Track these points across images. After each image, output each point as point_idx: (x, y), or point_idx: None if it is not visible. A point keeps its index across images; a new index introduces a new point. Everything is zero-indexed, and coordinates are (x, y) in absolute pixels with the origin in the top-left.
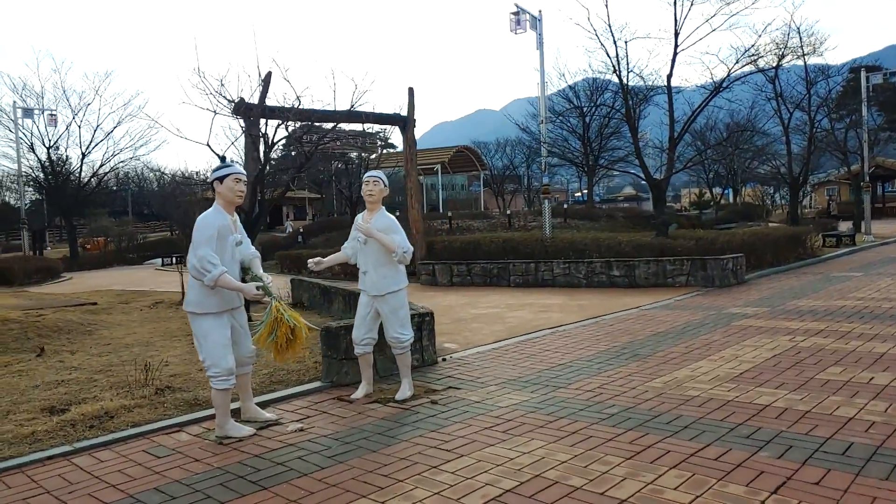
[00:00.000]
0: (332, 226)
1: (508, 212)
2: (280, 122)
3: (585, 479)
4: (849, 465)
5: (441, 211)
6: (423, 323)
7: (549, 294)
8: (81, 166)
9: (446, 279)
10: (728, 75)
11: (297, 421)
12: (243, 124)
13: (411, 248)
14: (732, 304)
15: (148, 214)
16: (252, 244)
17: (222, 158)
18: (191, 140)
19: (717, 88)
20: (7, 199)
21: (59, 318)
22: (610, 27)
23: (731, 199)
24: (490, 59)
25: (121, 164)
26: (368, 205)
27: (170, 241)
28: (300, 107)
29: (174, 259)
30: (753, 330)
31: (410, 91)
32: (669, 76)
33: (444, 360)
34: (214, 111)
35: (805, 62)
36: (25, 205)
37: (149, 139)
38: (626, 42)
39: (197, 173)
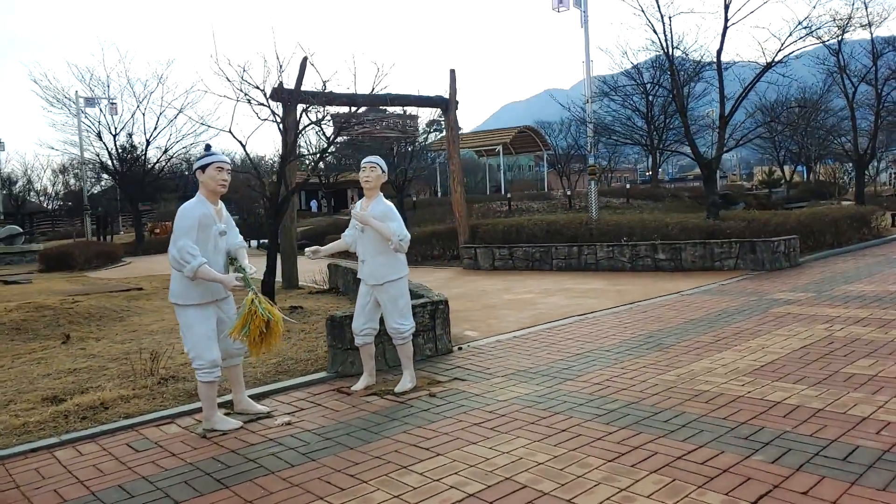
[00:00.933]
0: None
1: (569, 192)
2: (308, 106)
3: (557, 483)
4: (847, 471)
5: (503, 192)
6: (436, 311)
7: (590, 278)
8: (146, 152)
9: (488, 263)
10: (780, 48)
11: (288, 414)
12: (279, 111)
13: (408, 236)
14: (778, 288)
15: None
16: (278, 228)
17: (207, 147)
18: (213, 127)
19: (770, 64)
20: (80, 186)
21: (93, 304)
22: (658, 1)
23: (805, 177)
24: (559, 37)
25: (183, 150)
26: (366, 191)
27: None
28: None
29: None
30: (791, 317)
31: (452, 73)
32: (719, 52)
33: (460, 349)
34: (237, 99)
35: (871, 33)
36: (87, 191)
37: (208, 125)
38: (670, 18)
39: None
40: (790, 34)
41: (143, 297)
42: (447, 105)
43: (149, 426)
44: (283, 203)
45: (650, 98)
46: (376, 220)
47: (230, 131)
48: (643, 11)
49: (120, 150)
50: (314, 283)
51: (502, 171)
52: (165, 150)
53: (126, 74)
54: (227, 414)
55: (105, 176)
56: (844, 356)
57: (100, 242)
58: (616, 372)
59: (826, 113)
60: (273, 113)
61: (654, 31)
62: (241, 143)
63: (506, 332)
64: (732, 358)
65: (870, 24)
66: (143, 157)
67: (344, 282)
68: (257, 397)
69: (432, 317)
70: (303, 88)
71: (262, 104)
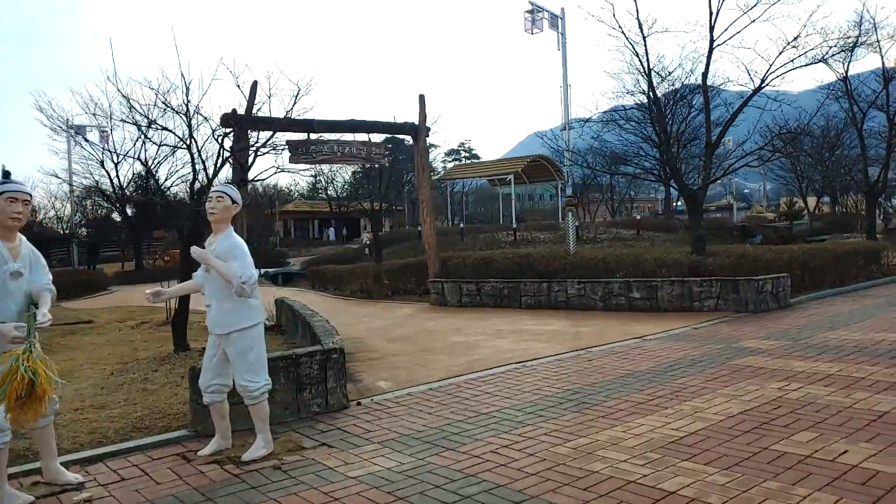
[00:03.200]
0: (401, 237)
1: (577, 223)
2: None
3: None
4: None
5: (514, 222)
6: (327, 362)
7: (554, 318)
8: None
9: (456, 299)
10: (769, 70)
11: (106, 485)
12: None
13: (253, 277)
14: (753, 334)
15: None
16: (189, 267)
17: (5, 174)
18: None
19: (759, 87)
20: (102, 212)
21: None
22: (639, 21)
23: (833, 208)
24: (583, 64)
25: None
26: (213, 225)
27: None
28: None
29: None
30: (748, 372)
31: (421, 98)
32: (705, 74)
33: (358, 404)
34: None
35: (882, 55)
36: (76, 219)
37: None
38: (644, 38)
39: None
40: (780, 54)
41: (85, 331)
42: (416, 131)
43: None
44: (192, 235)
45: (657, 127)
46: (219, 258)
47: (138, 158)
48: (622, 31)
49: (135, 177)
50: (268, 319)
51: (513, 201)
52: (167, 178)
53: (129, 103)
54: (34, 484)
55: (104, 203)
56: (784, 427)
57: (85, 271)
58: (508, 440)
59: (840, 141)
60: (182, 139)
61: (636, 55)
62: (148, 168)
63: (425, 382)
64: (653, 425)
65: (879, 47)
66: (154, 183)
67: (286, 318)
68: (91, 461)
69: (323, 368)
70: (261, 114)
71: (171, 131)
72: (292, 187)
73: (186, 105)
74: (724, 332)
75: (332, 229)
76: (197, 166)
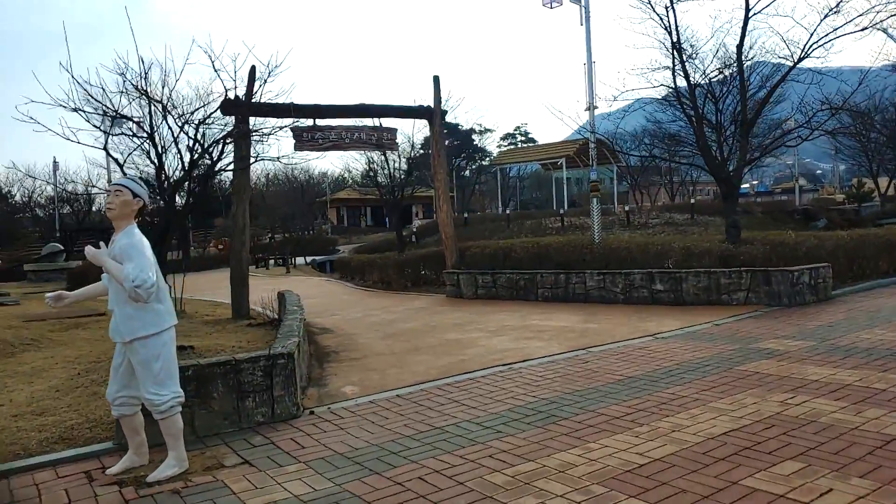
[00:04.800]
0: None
1: (626, 208)
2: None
3: None
4: None
5: (566, 207)
6: (273, 368)
7: (568, 312)
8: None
9: (471, 291)
10: (808, 40)
11: None
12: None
13: (148, 281)
14: (777, 332)
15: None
16: (164, 255)
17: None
18: (84, 144)
19: (799, 60)
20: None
21: (24, 334)
22: None
23: None
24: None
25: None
26: (113, 222)
27: (294, 241)
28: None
29: (268, 261)
30: (755, 380)
31: (436, 80)
32: (739, 46)
33: (311, 412)
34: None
35: None
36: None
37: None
38: (673, 5)
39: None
40: (820, 22)
41: (87, 324)
42: (431, 115)
43: None
44: (166, 231)
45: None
46: (115, 258)
47: (105, 148)
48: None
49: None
50: (270, 311)
51: (565, 186)
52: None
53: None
54: None
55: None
56: (769, 454)
57: None
58: (445, 464)
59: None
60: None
61: (666, 29)
62: (117, 161)
63: (394, 388)
64: (617, 448)
65: None
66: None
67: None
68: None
69: (268, 375)
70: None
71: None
72: (346, 174)
73: (145, 92)
74: (746, 330)
75: (386, 217)
76: (165, 159)
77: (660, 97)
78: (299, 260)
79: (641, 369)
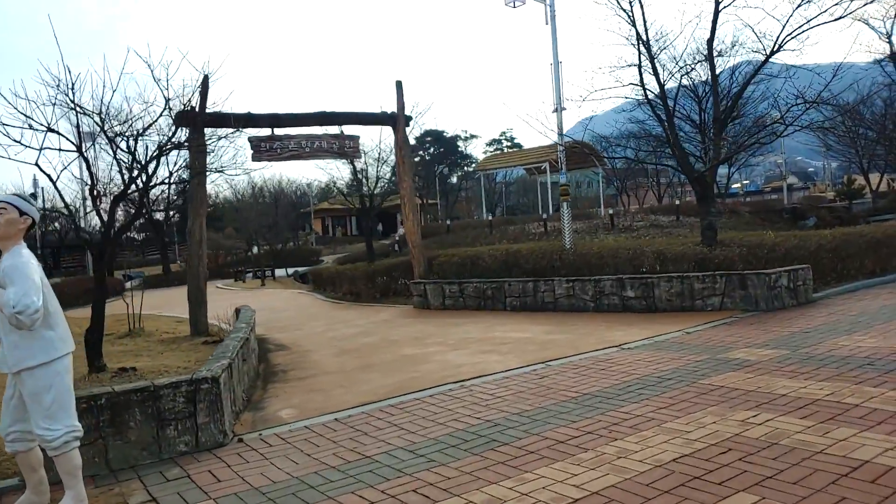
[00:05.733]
0: (432, 231)
1: (610, 211)
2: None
3: None
4: None
5: (547, 212)
6: (196, 394)
7: (535, 322)
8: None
9: (438, 301)
10: (781, 32)
11: None
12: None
13: (31, 307)
14: (750, 341)
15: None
16: (104, 272)
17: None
18: (15, 160)
19: (771, 53)
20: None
21: None
22: None
23: None
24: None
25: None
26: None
27: (274, 254)
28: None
29: (245, 274)
30: (718, 395)
31: (398, 85)
32: (710, 41)
33: (240, 440)
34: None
35: None
36: (95, 227)
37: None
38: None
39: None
40: (792, 13)
41: None
42: (395, 122)
43: None
44: (105, 249)
45: (702, 104)
46: None
47: (37, 164)
48: None
49: (126, 182)
50: (228, 326)
51: (549, 190)
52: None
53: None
54: None
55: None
56: (719, 484)
57: (91, 278)
58: (367, 499)
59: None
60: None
61: (632, 23)
62: (49, 177)
63: (335, 411)
64: (553, 479)
65: None
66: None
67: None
68: None
69: (191, 401)
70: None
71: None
72: (331, 185)
73: (72, 102)
74: (717, 338)
75: (380, 225)
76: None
77: (633, 96)
78: (280, 272)
79: (599, 385)
